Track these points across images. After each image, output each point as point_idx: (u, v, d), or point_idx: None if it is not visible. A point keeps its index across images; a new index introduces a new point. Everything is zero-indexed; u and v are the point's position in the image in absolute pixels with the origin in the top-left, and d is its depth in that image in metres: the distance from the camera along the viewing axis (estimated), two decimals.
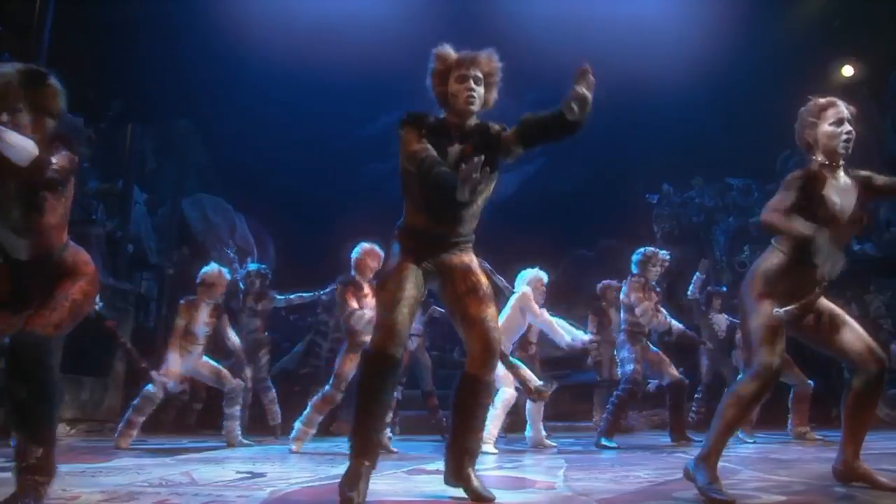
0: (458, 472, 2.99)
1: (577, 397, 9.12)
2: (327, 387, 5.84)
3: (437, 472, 4.13)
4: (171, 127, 12.90)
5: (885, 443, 6.08)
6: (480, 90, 3.15)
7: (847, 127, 3.14)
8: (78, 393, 7.92)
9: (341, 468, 4.41)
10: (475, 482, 2.95)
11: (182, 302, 6.62)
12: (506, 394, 6.24)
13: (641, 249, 7.00)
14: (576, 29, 12.65)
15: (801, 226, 2.90)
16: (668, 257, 6.95)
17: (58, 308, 2.66)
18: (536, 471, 4.20)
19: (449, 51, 3.17)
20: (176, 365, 6.29)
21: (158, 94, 11.82)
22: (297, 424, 5.84)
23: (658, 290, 6.94)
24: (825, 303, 3.27)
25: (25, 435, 2.58)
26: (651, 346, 6.95)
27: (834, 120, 3.16)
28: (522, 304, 6.37)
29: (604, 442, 6.45)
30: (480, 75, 3.15)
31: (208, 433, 8.54)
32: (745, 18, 11.53)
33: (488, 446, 5.76)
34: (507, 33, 12.46)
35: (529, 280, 6.55)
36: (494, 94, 3.22)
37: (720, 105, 11.93)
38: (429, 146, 2.97)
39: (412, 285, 2.95)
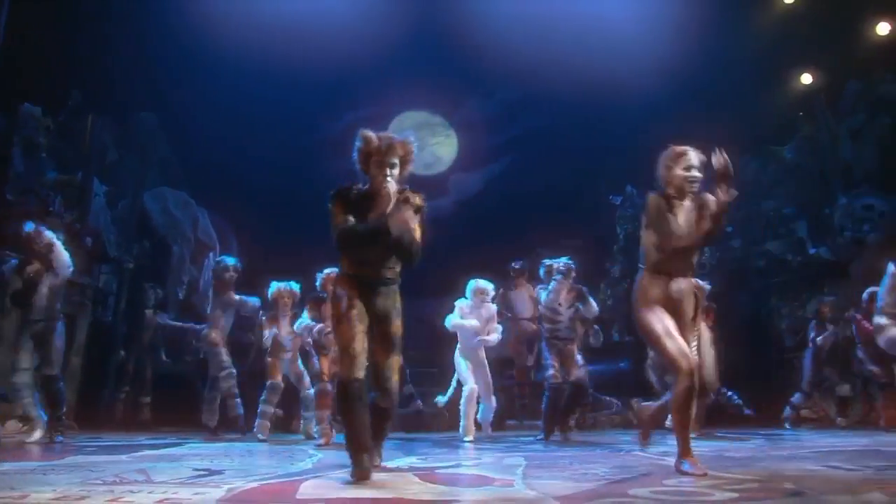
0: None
1: (536, 396, 9.24)
2: (314, 387, 6.98)
3: (396, 469, 4.15)
4: (134, 119, 12.64)
5: (834, 440, 6.27)
6: (395, 172, 3.85)
7: (695, 173, 3.89)
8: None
9: (301, 464, 4.43)
10: (374, 454, 3.99)
11: (264, 318, 7.55)
12: (469, 390, 7.25)
13: (543, 261, 7.74)
14: (543, 30, 12.73)
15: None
16: (569, 261, 7.43)
17: None
18: (495, 468, 4.22)
19: (371, 136, 3.84)
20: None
21: (120, 85, 11.57)
22: (314, 427, 6.93)
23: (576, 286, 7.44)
24: (688, 323, 3.91)
25: None
26: (575, 350, 7.37)
27: (684, 166, 3.90)
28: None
29: (540, 441, 7.05)
30: (396, 161, 3.84)
31: (166, 430, 8.43)
32: (709, 24, 11.70)
33: (468, 437, 7.02)
34: (475, 34, 12.49)
35: (471, 291, 7.50)
36: (409, 168, 3.94)
37: (682, 109, 12.10)
38: (349, 219, 3.77)
39: (360, 320, 3.79)
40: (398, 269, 3.98)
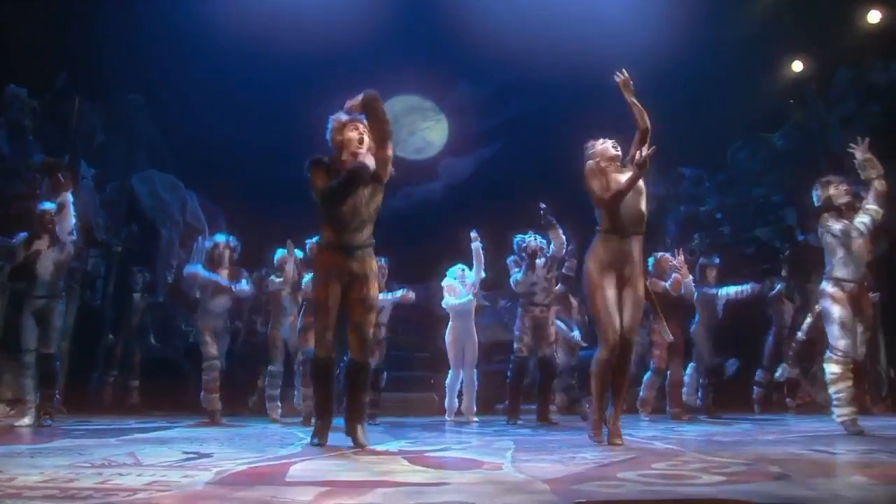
0: (350, 427, 4.37)
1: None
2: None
3: (386, 452, 4.16)
4: (121, 101, 12.52)
5: (819, 425, 6.33)
6: (365, 138, 4.45)
7: (612, 144, 4.81)
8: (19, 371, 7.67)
9: (291, 447, 4.43)
10: (359, 434, 4.31)
11: (274, 279, 7.79)
12: (452, 376, 7.81)
13: (516, 236, 7.91)
14: (534, 15, 12.68)
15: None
16: (539, 239, 7.67)
17: None
18: (484, 452, 4.23)
19: (339, 115, 4.58)
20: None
21: (108, 66, 11.45)
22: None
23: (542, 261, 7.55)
24: (637, 284, 4.57)
25: None
26: (551, 320, 7.44)
27: (602, 141, 4.85)
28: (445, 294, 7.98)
29: (508, 424, 6.86)
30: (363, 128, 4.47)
31: (155, 413, 8.42)
32: (700, 11, 11.69)
33: (469, 416, 7.56)
34: (466, 19, 12.42)
35: (456, 274, 8.02)
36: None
37: (673, 96, 12.10)
38: (331, 181, 4.29)
39: (333, 299, 4.31)
40: (370, 230, 4.43)
